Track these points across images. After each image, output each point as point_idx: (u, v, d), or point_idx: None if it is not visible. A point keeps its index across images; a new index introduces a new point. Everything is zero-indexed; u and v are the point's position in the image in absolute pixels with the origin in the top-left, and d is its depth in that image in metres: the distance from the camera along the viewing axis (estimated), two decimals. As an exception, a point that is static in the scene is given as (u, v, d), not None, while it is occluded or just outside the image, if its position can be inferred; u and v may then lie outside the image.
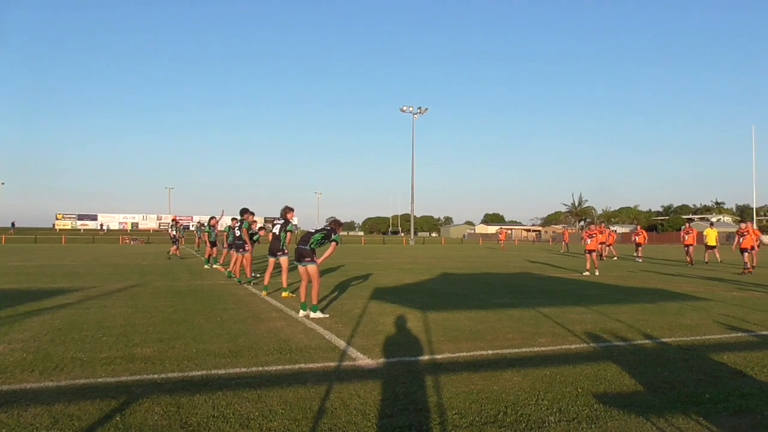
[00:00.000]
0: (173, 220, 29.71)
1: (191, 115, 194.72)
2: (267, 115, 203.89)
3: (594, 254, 17.11)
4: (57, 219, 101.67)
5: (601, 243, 26.37)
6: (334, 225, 8.89)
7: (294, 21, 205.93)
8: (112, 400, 4.18)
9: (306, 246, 8.42)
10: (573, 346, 6.20)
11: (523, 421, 3.80)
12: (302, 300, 8.47)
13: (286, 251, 11.08)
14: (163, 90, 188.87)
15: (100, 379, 4.77)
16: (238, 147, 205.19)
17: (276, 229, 11.04)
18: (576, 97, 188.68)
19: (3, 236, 50.45)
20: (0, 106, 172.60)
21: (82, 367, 5.15)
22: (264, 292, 10.94)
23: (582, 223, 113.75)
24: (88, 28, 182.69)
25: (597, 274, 16.44)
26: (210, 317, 8.06)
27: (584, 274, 16.68)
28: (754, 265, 17.84)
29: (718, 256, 22.43)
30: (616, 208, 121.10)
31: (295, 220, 11.19)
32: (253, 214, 13.87)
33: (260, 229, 14.49)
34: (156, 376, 4.88)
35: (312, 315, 8.12)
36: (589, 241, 17.03)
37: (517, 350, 5.98)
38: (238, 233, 13.71)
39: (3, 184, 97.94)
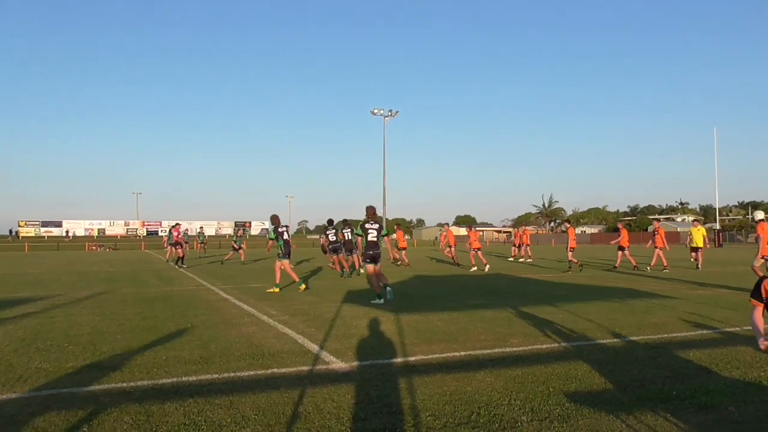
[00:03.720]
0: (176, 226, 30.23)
1: (157, 118, 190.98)
2: (235, 118, 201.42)
3: (479, 252, 20.33)
4: (20, 226, 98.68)
5: (526, 245, 27.06)
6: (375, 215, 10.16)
7: (260, 22, 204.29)
8: (79, 410, 4.07)
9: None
10: (544, 346, 6.28)
11: (496, 421, 3.83)
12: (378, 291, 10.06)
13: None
14: (127, 91, 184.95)
15: (65, 390, 4.64)
16: (206, 150, 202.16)
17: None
18: (545, 97, 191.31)
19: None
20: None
21: (47, 378, 5.00)
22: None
23: (552, 224, 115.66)
24: (45, 28, 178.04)
25: (486, 270, 18.98)
26: (180, 324, 7.93)
27: (472, 270, 19.13)
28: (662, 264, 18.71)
29: (700, 260, 19.10)
30: (585, 209, 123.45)
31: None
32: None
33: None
34: (125, 384, 4.78)
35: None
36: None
37: (489, 351, 6.04)
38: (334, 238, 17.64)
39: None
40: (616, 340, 6.60)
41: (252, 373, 5.18)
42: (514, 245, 29.77)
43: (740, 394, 4.40)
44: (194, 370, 5.26)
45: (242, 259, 25.25)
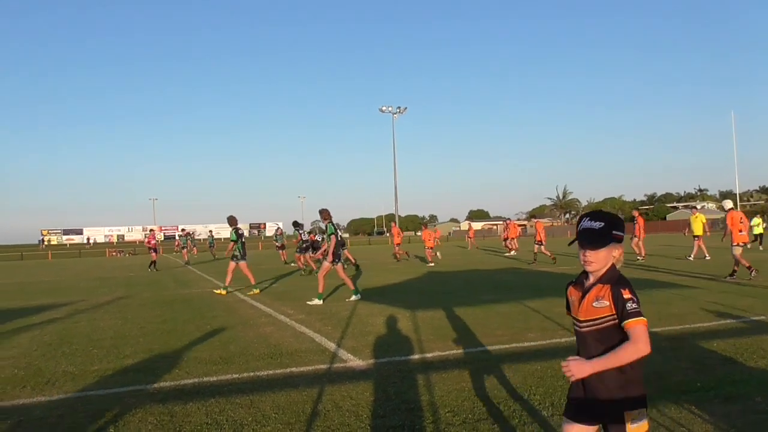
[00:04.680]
0: (185, 232, 31.31)
1: (169, 123, 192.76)
2: (245, 121, 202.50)
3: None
4: (43, 235, 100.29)
5: (512, 238, 26.54)
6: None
7: (270, 23, 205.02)
8: (106, 411, 4.16)
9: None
10: (563, 340, 6.25)
11: (516, 416, 3.84)
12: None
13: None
14: (139, 97, 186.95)
15: (92, 392, 4.74)
16: (219, 154, 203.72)
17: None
18: (558, 87, 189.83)
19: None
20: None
21: (74, 381, 5.11)
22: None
23: (567, 215, 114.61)
24: (68, 37, 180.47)
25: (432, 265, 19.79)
26: (200, 325, 8.03)
27: (429, 265, 19.79)
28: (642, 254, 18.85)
29: (704, 249, 17.99)
30: (601, 199, 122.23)
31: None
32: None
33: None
34: (148, 386, 4.86)
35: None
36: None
37: (506, 346, 6.03)
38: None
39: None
40: (635, 331, 6.55)
41: (271, 372, 5.24)
42: (504, 239, 29.60)
43: (767, 384, 4.35)
44: (215, 370, 5.33)
45: (284, 259, 24.82)
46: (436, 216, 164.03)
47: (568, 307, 2.35)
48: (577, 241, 2.17)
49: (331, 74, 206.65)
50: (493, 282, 13.31)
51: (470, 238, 36.98)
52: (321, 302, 10.00)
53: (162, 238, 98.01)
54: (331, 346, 6.31)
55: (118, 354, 6.23)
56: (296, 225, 18.97)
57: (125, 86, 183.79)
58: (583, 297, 2.18)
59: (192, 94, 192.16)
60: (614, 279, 2.12)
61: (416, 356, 5.67)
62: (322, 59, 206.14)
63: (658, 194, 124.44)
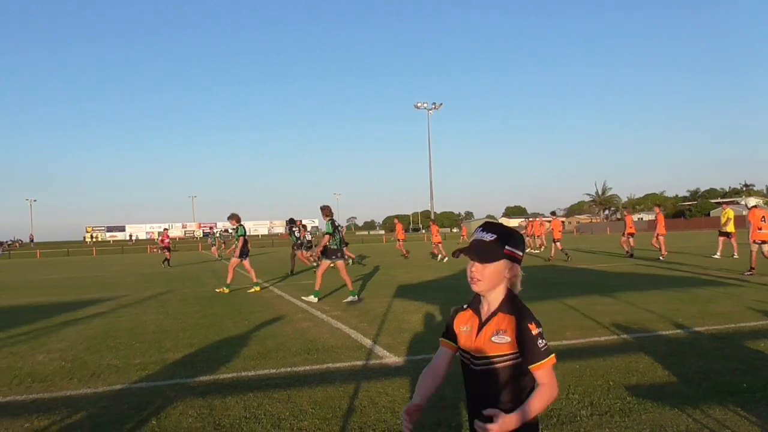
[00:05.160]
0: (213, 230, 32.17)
1: (209, 122, 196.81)
2: (283, 119, 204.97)
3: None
4: (87, 232, 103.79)
5: (537, 236, 25.98)
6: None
7: (305, 23, 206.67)
8: (148, 404, 4.27)
9: None
10: (602, 338, 6.13)
11: (554, 416, 3.77)
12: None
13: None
14: (180, 96, 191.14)
15: (135, 385, 4.88)
16: (256, 151, 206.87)
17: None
18: (596, 82, 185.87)
19: (38, 251, 51.68)
20: (28, 128, 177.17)
21: (118, 374, 5.27)
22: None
23: (606, 212, 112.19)
24: (111, 40, 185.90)
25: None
26: (237, 321, 8.17)
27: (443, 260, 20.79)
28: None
29: (734, 246, 17.34)
30: (641, 195, 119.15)
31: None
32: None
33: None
34: (188, 380, 4.97)
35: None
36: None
37: (545, 344, 5.92)
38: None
39: (35, 201, 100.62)
40: (678, 331, 6.37)
41: (308, 367, 5.28)
42: (527, 236, 29.23)
43: (816, 386, 4.17)
44: (252, 365, 5.41)
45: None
46: (471, 213, 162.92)
47: (446, 335, 2.02)
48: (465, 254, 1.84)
49: (366, 71, 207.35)
50: (531, 279, 13.01)
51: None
52: (317, 300, 9.96)
53: (201, 235, 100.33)
54: (367, 342, 6.33)
55: (159, 348, 6.39)
56: (290, 222, 19.30)
57: (167, 87, 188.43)
58: (480, 328, 1.85)
59: (231, 93, 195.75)
60: (519, 310, 1.82)
61: (452, 353, 5.63)
62: (358, 56, 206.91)
63: (702, 190, 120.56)
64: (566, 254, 19.07)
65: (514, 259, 1.83)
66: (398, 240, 25.71)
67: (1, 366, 5.72)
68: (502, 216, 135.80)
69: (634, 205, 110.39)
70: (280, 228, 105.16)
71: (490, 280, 1.83)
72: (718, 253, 17.46)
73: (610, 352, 5.46)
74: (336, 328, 7.30)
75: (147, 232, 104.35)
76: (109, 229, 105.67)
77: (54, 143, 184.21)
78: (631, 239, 19.34)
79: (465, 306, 2.00)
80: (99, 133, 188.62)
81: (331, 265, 10.65)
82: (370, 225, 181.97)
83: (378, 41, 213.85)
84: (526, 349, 1.75)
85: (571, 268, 16.18)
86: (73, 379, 5.11)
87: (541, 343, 1.76)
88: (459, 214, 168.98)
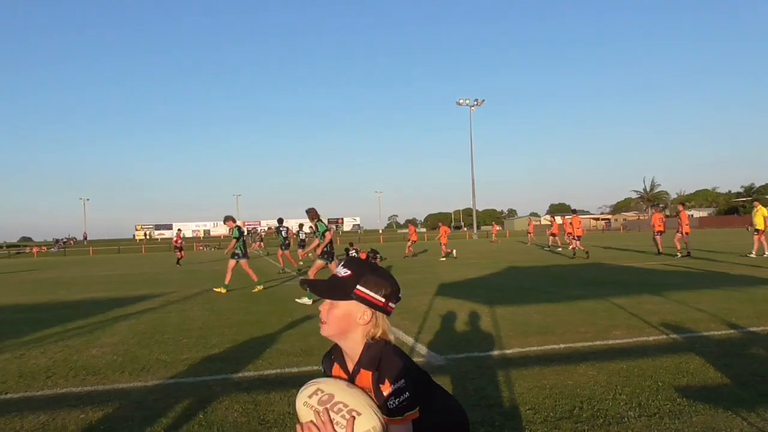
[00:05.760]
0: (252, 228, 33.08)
1: (254, 122, 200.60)
2: (326, 119, 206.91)
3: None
4: (136, 230, 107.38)
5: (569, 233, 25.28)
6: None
7: (342, 24, 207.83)
8: (195, 398, 4.39)
9: None
10: (651, 338, 5.94)
11: (600, 416, 3.69)
12: None
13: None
14: (225, 95, 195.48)
15: (183, 379, 5.02)
16: (298, 151, 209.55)
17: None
18: (641, 74, 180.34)
19: (91, 248, 53.79)
20: (80, 131, 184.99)
21: (166, 368, 5.43)
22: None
23: (653, 209, 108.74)
24: (155, 46, 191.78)
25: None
26: (281, 318, 8.29)
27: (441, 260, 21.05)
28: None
29: (764, 244, 16.82)
30: (692, 191, 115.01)
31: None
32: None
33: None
34: (233, 375, 5.08)
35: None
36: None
37: (590, 343, 5.80)
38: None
39: (88, 200, 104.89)
40: (732, 331, 6.12)
41: (350, 365, 5.31)
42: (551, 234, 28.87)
43: None
44: (296, 362, 5.49)
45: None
46: (515, 210, 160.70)
47: None
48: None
49: (408, 68, 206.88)
50: (577, 277, 12.86)
51: (530, 233, 37.74)
52: (311, 302, 9.74)
53: (245, 233, 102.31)
54: (409, 340, 6.33)
55: (205, 344, 6.55)
56: (279, 222, 20.02)
57: (215, 92, 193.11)
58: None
59: (274, 96, 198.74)
60: (375, 362, 1.54)
61: (495, 352, 5.58)
62: (400, 54, 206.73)
63: (757, 185, 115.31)
64: (574, 252, 19.59)
65: (370, 304, 1.58)
66: (411, 240, 25.99)
67: (57, 359, 5.98)
68: (546, 213, 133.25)
69: (684, 201, 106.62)
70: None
71: (337, 324, 1.59)
72: (754, 252, 16.84)
73: (658, 352, 5.30)
74: (377, 326, 7.31)
75: (193, 230, 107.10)
76: (158, 227, 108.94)
77: (106, 144, 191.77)
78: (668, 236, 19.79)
79: (331, 356, 1.75)
80: (149, 135, 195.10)
81: (324, 266, 10.56)
82: (412, 223, 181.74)
83: (420, 38, 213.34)
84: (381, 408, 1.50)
85: (619, 266, 15.76)
86: (124, 373, 5.30)
87: (393, 401, 1.48)
88: (502, 212, 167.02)
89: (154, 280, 17.45)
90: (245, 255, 12.74)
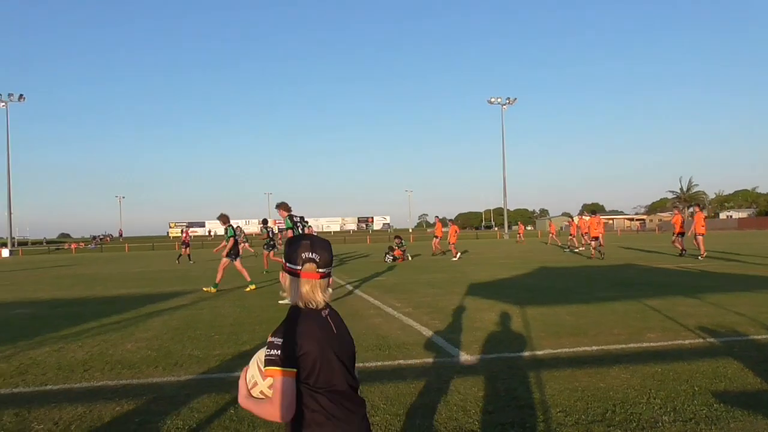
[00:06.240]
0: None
1: (284, 122, 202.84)
2: (356, 117, 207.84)
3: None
4: (170, 227, 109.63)
5: (585, 233, 24.67)
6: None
7: (375, 22, 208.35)
8: (227, 394, 4.45)
9: None
10: (686, 342, 5.80)
11: (633, 420, 3.62)
12: None
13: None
14: (256, 96, 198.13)
15: (214, 375, 5.10)
16: (329, 150, 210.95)
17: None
18: (677, 72, 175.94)
19: (126, 245, 55.07)
20: (118, 129, 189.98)
21: (199, 363, 5.53)
22: None
23: (690, 209, 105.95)
24: (188, 43, 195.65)
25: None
26: (311, 315, 8.34)
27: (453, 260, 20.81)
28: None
29: None
30: (731, 192, 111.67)
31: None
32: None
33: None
34: (264, 371, 5.13)
35: None
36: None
37: (623, 346, 5.70)
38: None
39: (124, 197, 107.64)
40: (773, 336, 5.93)
41: (379, 363, 5.33)
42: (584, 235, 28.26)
43: None
44: (325, 359, 5.51)
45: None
46: (546, 210, 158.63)
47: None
48: None
49: (439, 66, 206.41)
50: (610, 278, 12.63)
51: (551, 234, 37.35)
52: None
53: (276, 230, 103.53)
54: (439, 339, 6.31)
55: (236, 340, 6.65)
56: (264, 222, 20.12)
57: (248, 90, 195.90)
58: None
59: (304, 94, 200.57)
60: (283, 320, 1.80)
61: (526, 353, 5.52)
62: (430, 52, 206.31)
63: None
64: (580, 251, 19.86)
65: (283, 269, 1.82)
66: (436, 237, 26.29)
67: (94, 353, 6.15)
68: (578, 213, 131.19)
69: (723, 201, 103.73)
70: (352, 225, 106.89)
71: (288, 290, 1.84)
72: None
73: (694, 356, 5.17)
74: (407, 325, 7.32)
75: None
76: (190, 225, 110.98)
77: (142, 143, 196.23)
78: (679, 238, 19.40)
79: None
80: (182, 134, 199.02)
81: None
82: (442, 222, 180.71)
83: (453, 35, 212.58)
84: None
85: (651, 267, 15.42)
86: (158, 367, 5.41)
87: (267, 354, 1.70)
88: (533, 212, 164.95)
89: (186, 276, 17.78)
90: (237, 255, 12.81)
